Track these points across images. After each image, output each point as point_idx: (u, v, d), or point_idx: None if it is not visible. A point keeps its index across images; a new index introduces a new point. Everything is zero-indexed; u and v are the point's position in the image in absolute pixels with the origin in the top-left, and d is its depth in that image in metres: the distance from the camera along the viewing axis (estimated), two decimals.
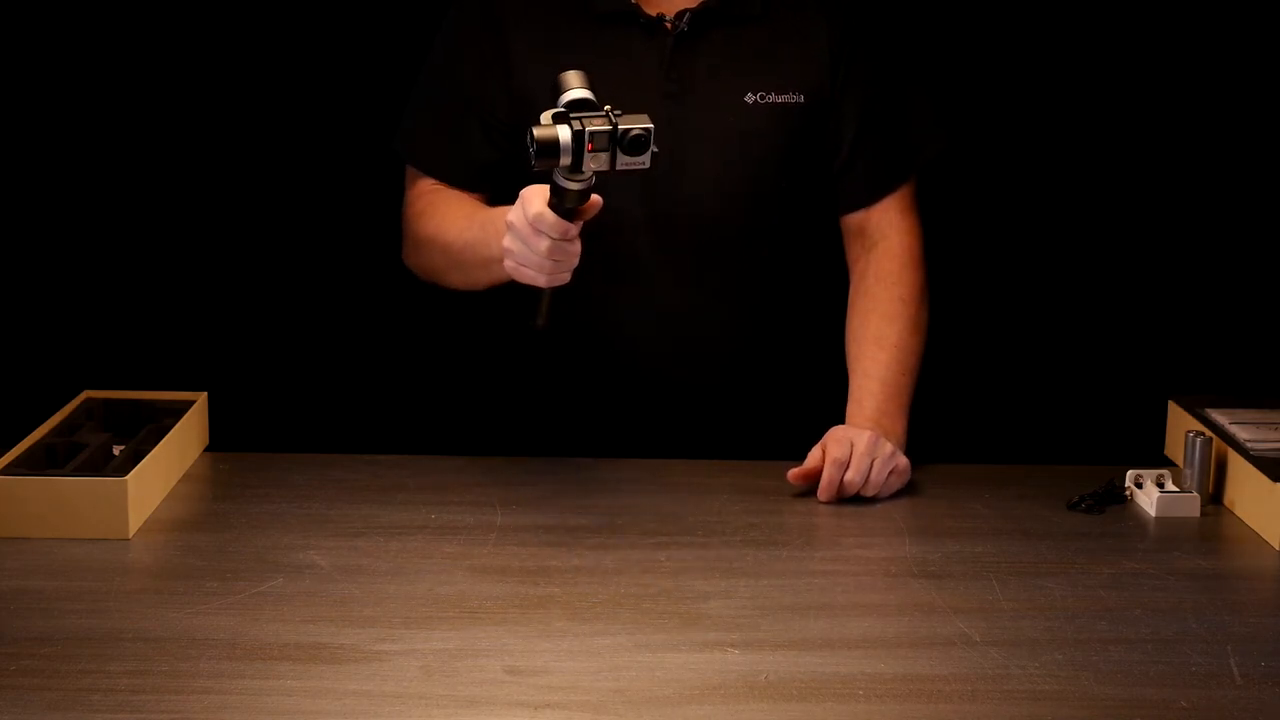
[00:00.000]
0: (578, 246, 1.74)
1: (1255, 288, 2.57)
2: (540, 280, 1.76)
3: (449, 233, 1.96)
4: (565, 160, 1.66)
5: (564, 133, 1.66)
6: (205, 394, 2.05)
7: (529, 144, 1.66)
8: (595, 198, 1.71)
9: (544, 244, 1.72)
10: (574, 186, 1.68)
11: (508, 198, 2.00)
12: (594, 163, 1.67)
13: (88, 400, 2.01)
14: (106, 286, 2.53)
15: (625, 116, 1.68)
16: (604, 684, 1.40)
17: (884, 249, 2.05)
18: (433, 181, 2.05)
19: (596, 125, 1.66)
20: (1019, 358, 2.60)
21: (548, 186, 1.70)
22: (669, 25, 1.98)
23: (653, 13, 1.99)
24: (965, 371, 2.55)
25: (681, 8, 1.98)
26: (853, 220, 2.08)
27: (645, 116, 1.69)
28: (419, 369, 2.58)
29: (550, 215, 1.70)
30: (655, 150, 1.70)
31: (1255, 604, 1.63)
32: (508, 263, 1.78)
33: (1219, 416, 1.98)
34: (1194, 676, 1.44)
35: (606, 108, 1.68)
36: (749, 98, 2.00)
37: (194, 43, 2.47)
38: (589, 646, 1.48)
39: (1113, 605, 1.60)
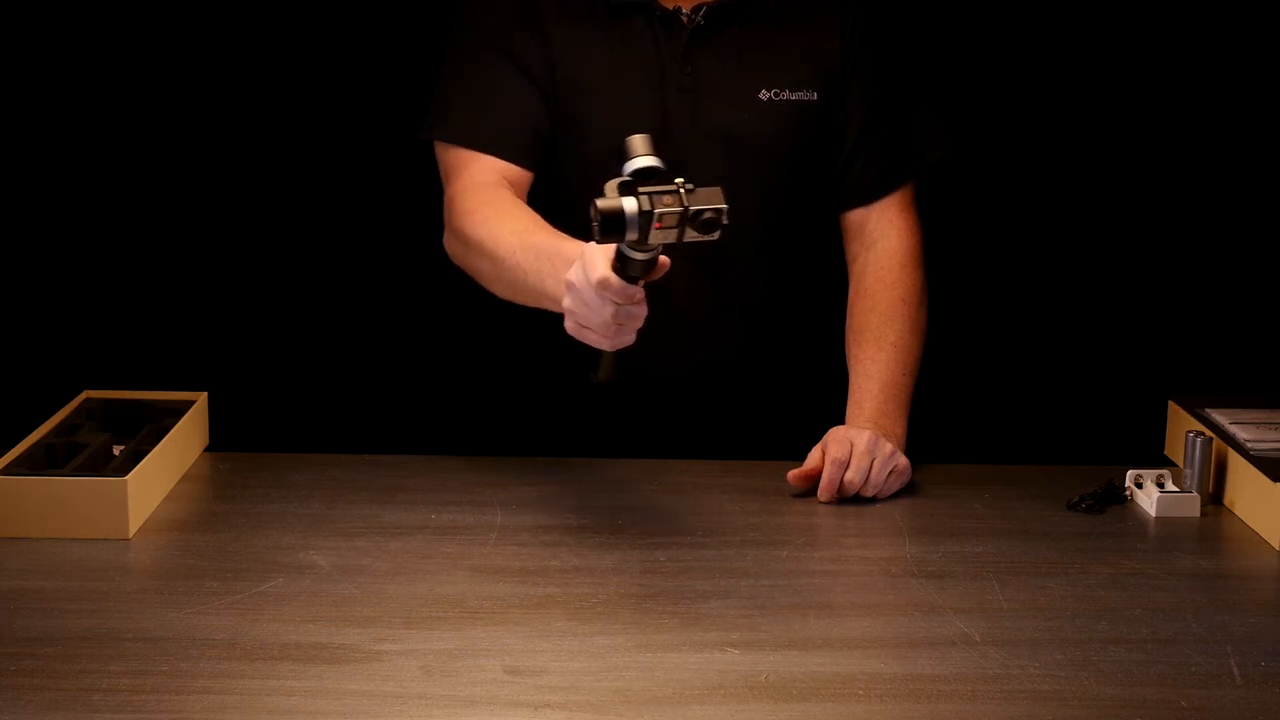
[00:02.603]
0: (644, 309, 1.64)
1: (1255, 288, 2.57)
2: (604, 344, 1.67)
3: (500, 246, 1.85)
4: (631, 236, 1.55)
5: (629, 205, 1.54)
6: (205, 394, 2.05)
7: (592, 217, 1.56)
8: (663, 259, 1.62)
9: (609, 310, 1.62)
10: (640, 257, 1.58)
11: (544, 183, 1.99)
12: (661, 237, 1.57)
13: (88, 400, 2.01)
14: (106, 286, 2.53)
15: (697, 193, 1.56)
16: (604, 684, 1.40)
17: (883, 248, 2.05)
18: (486, 169, 1.96)
19: (666, 205, 1.54)
20: (1019, 358, 2.60)
21: (610, 247, 1.61)
22: (685, 19, 1.98)
23: (669, 6, 1.98)
24: (965, 371, 2.55)
25: (697, 2, 1.98)
26: (852, 218, 2.08)
27: (719, 192, 1.57)
28: (419, 369, 2.58)
29: (615, 281, 1.60)
30: (726, 224, 1.58)
31: (1255, 604, 1.63)
32: (569, 323, 1.68)
33: (1219, 416, 1.98)
34: (1194, 676, 1.44)
35: (678, 181, 1.56)
36: (763, 94, 2.00)
37: (194, 43, 2.47)
38: (589, 646, 1.48)
39: (1113, 605, 1.60)
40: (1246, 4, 2.47)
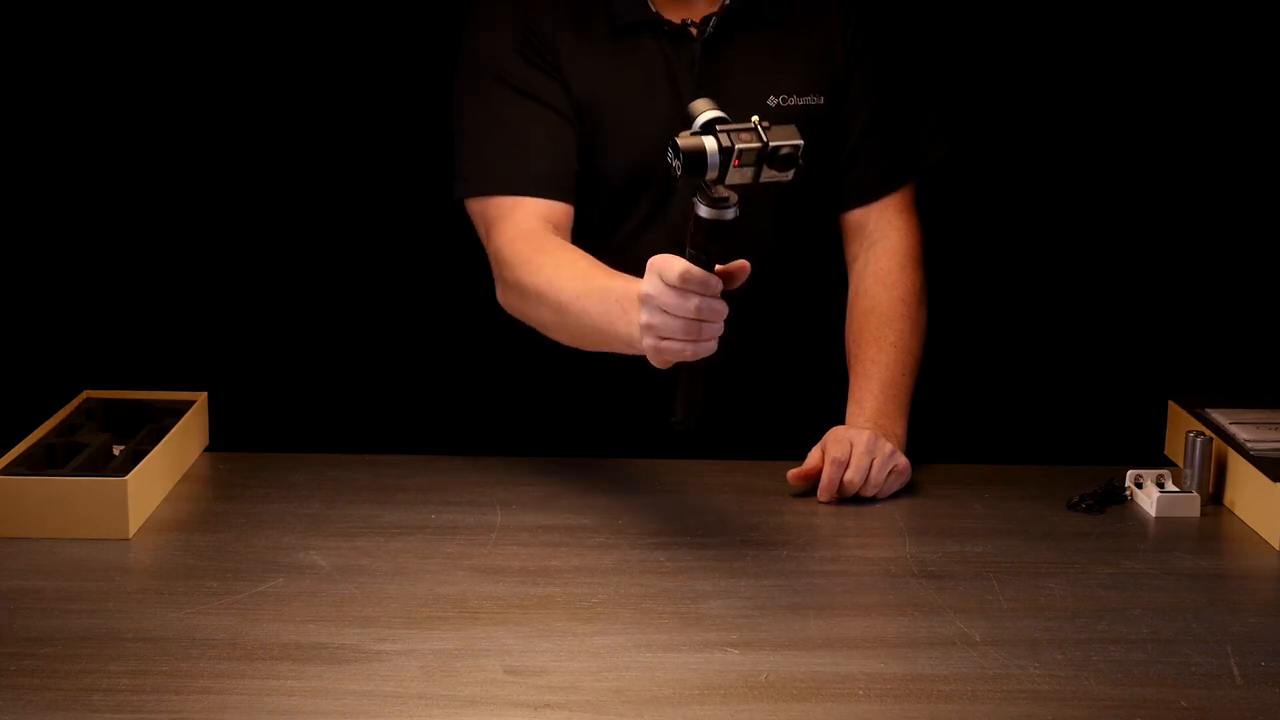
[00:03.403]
0: (724, 306, 1.62)
1: (1255, 288, 2.57)
2: (687, 352, 1.62)
3: (563, 293, 1.81)
4: (711, 174, 1.56)
5: (710, 143, 1.56)
6: (205, 394, 2.05)
7: (672, 156, 1.57)
8: (743, 263, 1.63)
9: (692, 303, 1.59)
10: (711, 216, 1.57)
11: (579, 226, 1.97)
12: (738, 177, 1.58)
13: (88, 400, 2.01)
14: (106, 286, 2.53)
15: (774, 130, 1.58)
16: (604, 684, 1.40)
17: (883, 249, 2.06)
18: (528, 214, 1.92)
19: (745, 142, 1.56)
20: (1019, 358, 2.60)
21: (672, 257, 1.61)
22: (694, 31, 1.98)
23: (676, 20, 1.98)
24: (965, 371, 2.55)
25: (702, 13, 1.98)
26: (853, 218, 2.08)
27: (794, 129, 1.59)
28: (419, 369, 2.58)
29: (698, 270, 1.59)
30: (802, 164, 1.60)
31: (1255, 604, 1.63)
32: (647, 341, 1.64)
33: (1219, 416, 1.98)
34: (1194, 676, 1.44)
35: (754, 119, 1.58)
36: (772, 100, 1.99)
37: (194, 43, 2.47)
38: (589, 646, 1.48)
39: (1113, 605, 1.60)
40: (1246, 4, 2.47)
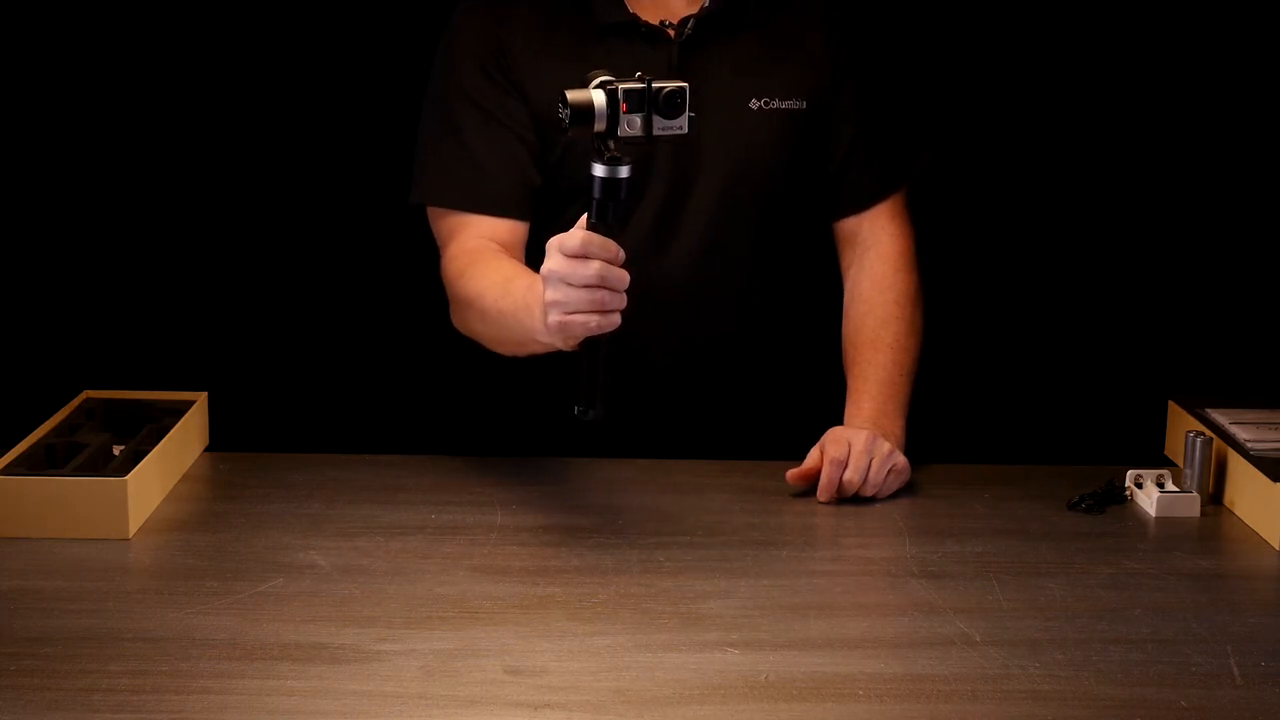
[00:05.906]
0: (625, 276, 1.63)
1: (1255, 288, 2.57)
2: (592, 324, 1.62)
3: (486, 297, 1.85)
4: (600, 125, 1.60)
5: (598, 96, 1.60)
6: (205, 394, 2.05)
7: (561, 109, 1.60)
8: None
9: (593, 268, 1.61)
10: (605, 174, 1.61)
11: (539, 214, 1.97)
12: (629, 126, 1.61)
13: (88, 400, 2.01)
14: (106, 286, 2.53)
15: (658, 80, 1.63)
16: (604, 684, 1.40)
17: (877, 254, 2.06)
18: (477, 231, 1.95)
19: (630, 84, 1.61)
20: (1019, 358, 2.60)
21: (571, 230, 1.64)
22: (671, 33, 1.98)
23: (654, 21, 1.98)
24: (965, 371, 2.55)
25: (681, 15, 1.98)
26: (846, 225, 2.08)
27: (679, 81, 1.64)
28: (420, 369, 2.58)
29: (596, 236, 1.61)
30: (693, 115, 1.64)
31: (1255, 604, 1.63)
32: (553, 318, 1.64)
33: (1219, 416, 1.98)
34: (1194, 676, 1.44)
35: (638, 74, 1.63)
36: (753, 104, 1.99)
37: (194, 43, 2.47)
38: (589, 646, 1.48)
39: (1113, 605, 1.60)
40: (1246, 4, 2.47)
